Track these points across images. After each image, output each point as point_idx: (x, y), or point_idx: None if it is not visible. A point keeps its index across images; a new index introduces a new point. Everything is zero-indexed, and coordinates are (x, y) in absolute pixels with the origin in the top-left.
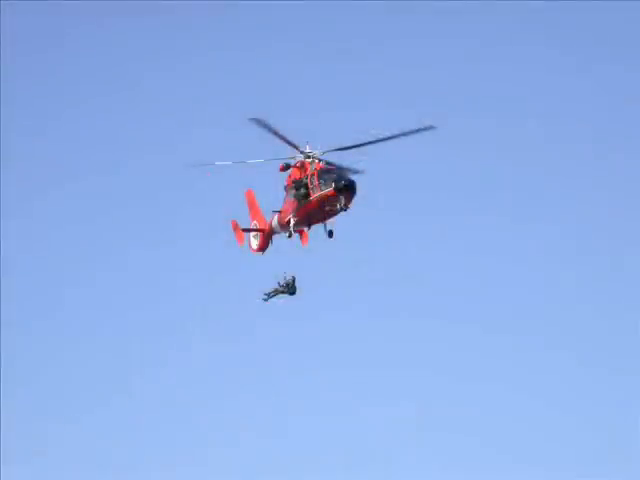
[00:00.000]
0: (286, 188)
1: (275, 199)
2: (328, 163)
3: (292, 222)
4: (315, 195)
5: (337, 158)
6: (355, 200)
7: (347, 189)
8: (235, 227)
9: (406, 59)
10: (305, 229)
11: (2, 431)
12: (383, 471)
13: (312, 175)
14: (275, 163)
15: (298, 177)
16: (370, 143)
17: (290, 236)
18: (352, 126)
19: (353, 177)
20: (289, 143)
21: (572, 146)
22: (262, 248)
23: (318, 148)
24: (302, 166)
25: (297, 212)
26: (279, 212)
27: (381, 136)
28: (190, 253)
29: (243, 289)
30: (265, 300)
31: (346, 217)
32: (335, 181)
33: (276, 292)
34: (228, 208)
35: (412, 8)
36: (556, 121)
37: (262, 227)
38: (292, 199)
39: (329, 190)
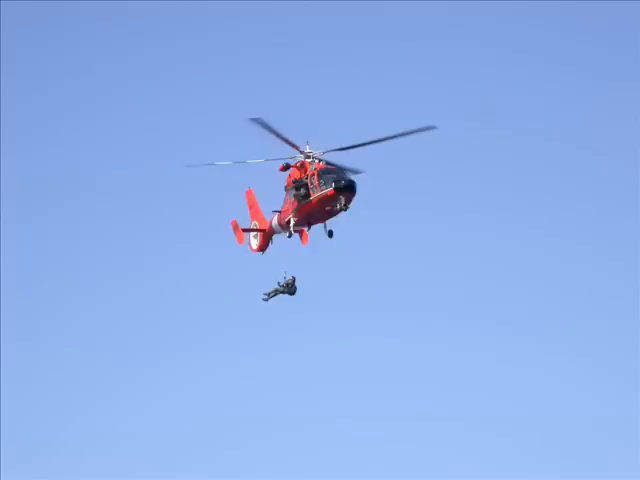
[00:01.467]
0: (286, 188)
1: (275, 199)
2: (328, 163)
3: (292, 222)
4: (315, 195)
5: (337, 158)
6: (355, 200)
7: (347, 189)
8: (235, 227)
9: (406, 59)
10: (305, 229)
11: (2, 431)
12: (383, 470)
13: (312, 175)
14: (275, 163)
15: (298, 177)
16: (370, 143)
17: (290, 236)
18: (352, 126)
19: (353, 177)
20: (289, 143)
21: (572, 146)
22: (262, 248)
23: (318, 148)
24: (302, 166)
25: (297, 212)
26: (279, 212)
27: (381, 136)
28: (190, 253)
29: (243, 289)
30: (265, 300)
31: (346, 217)
32: (335, 181)
33: (276, 292)
34: (228, 208)
35: (413, 8)
36: (556, 121)
37: (262, 227)
38: (292, 199)
39: (329, 190)
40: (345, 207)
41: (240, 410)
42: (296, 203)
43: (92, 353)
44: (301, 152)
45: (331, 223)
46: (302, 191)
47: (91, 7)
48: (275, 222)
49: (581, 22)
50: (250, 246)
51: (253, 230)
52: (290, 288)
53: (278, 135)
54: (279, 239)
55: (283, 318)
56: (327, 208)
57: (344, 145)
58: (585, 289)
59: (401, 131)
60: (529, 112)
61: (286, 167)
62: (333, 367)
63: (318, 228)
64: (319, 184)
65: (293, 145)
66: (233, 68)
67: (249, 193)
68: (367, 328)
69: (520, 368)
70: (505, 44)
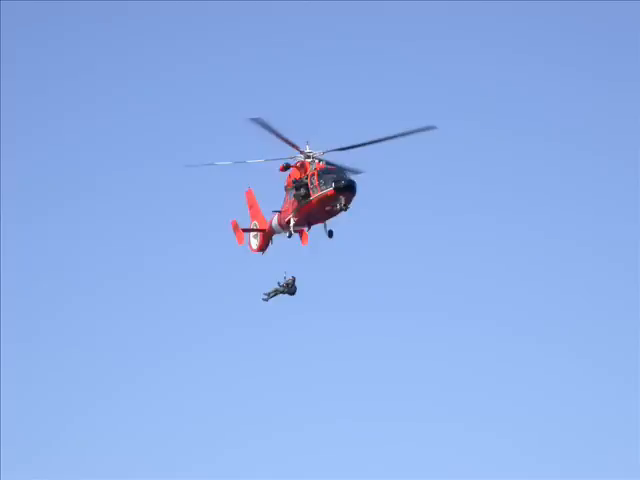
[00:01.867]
0: (286, 188)
1: (275, 199)
2: (328, 163)
3: (292, 222)
4: (315, 195)
5: (337, 158)
6: (355, 200)
7: (347, 189)
8: (235, 227)
9: (406, 59)
10: (305, 229)
11: (2, 431)
12: (383, 470)
13: (312, 175)
14: (275, 163)
15: (298, 177)
16: (370, 143)
17: (290, 236)
18: (352, 126)
19: (353, 177)
20: (289, 143)
21: (572, 146)
22: (262, 248)
23: (318, 148)
24: (302, 166)
25: (297, 212)
26: (279, 212)
27: (381, 136)
28: (190, 253)
29: (243, 289)
30: (265, 300)
31: (346, 217)
32: (335, 181)
33: (276, 292)
34: (228, 208)
35: (413, 8)
36: (556, 121)
37: (262, 227)
38: (292, 199)
39: (329, 190)
40: (345, 207)
41: (240, 410)
42: (296, 203)
43: (92, 353)
44: (301, 152)
45: (331, 223)
46: (302, 191)
47: (91, 7)
48: (275, 222)
49: (581, 22)
50: (250, 246)
51: (253, 230)
52: (290, 288)
53: (278, 135)
54: (279, 239)
55: (283, 318)
56: (327, 208)
57: (344, 145)
58: (585, 289)
59: (401, 131)
60: (529, 112)
61: (286, 167)
62: (333, 367)
63: (318, 228)
64: (319, 184)
65: (293, 145)
66: (233, 68)
67: (249, 193)
68: (367, 328)
69: (520, 368)
70: (505, 44)
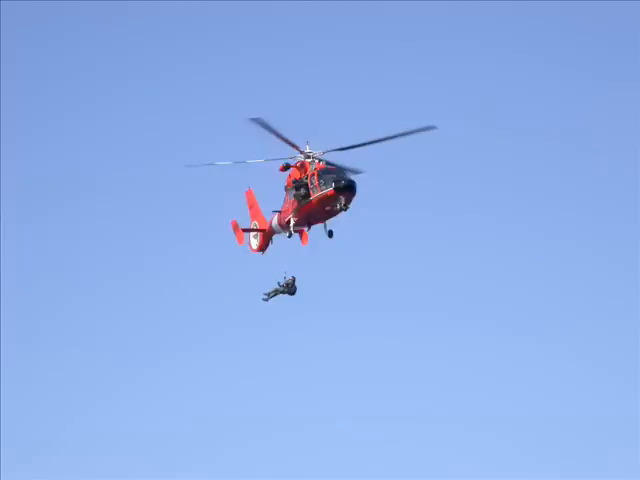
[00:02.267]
0: (286, 188)
1: (275, 199)
2: (328, 163)
3: (292, 222)
4: (315, 195)
5: (337, 158)
6: (355, 200)
7: (347, 189)
8: (235, 227)
9: (406, 59)
10: (305, 229)
11: (2, 431)
12: (383, 470)
13: (312, 175)
14: (275, 163)
15: (298, 177)
16: (370, 143)
17: (290, 236)
18: (352, 126)
19: (353, 177)
20: (289, 143)
21: (572, 146)
22: (262, 248)
23: (318, 148)
24: (302, 166)
25: (297, 212)
26: (279, 212)
27: (381, 136)
28: (190, 253)
29: (243, 289)
30: (265, 300)
31: (346, 217)
32: (335, 181)
33: (276, 292)
34: (228, 208)
35: (413, 8)
36: (556, 121)
37: (262, 227)
38: (292, 199)
39: (329, 190)
40: (345, 207)
41: (240, 410)
42: (296, 203)
43: (92, 353)
44: (301, 152)
45: (331, 223)
46: (302, 191)
47: (91, 7)
48: (275, 222)
49: (581, 22)
50: (250, 246)
51: (253, 230)
52: (290, 288)
53: (278, 135)
54: (279, 239)
55: (283, 318)
56: (327, 208)
57: (344, 145)
58: (585, 289)
59: (401, 131)
60: (529, 112)
61: (286, 167)
62: (333, 367)
63: (318, 228)
64: (319, 184)
65: (293, 145)
66: (233, 68)
67: (249, 193)
68: (367, 328)
69: (520, 368)
70: (505, 44)
